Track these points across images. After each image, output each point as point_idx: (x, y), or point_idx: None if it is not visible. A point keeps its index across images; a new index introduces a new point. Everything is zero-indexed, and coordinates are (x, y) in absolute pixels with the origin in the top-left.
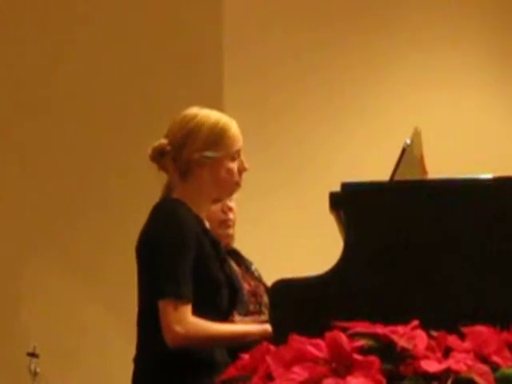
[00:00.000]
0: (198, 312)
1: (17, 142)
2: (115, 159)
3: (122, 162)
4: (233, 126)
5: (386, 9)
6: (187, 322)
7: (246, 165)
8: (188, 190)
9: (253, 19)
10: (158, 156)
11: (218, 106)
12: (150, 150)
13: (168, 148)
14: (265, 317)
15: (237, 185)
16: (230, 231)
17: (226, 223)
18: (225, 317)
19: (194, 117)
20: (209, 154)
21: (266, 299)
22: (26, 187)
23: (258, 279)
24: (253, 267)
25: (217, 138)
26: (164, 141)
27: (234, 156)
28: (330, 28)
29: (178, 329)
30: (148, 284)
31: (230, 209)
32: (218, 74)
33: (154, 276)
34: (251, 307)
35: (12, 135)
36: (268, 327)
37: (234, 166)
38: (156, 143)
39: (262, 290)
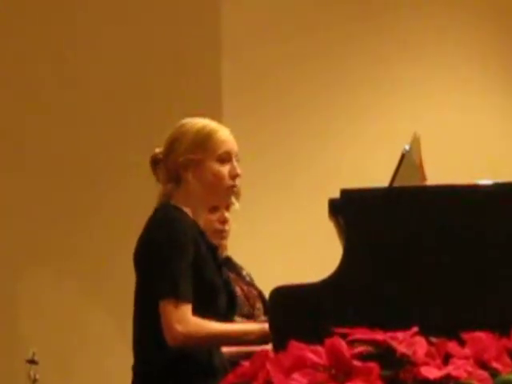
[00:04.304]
0: (196, 316)
1: (15, 148)
2: (113, 166)
3: (120, 169)
4: (221, 130)
5: (386, 13)
6: (188, 321)
7: (239, 170)
8: (182, 196)
9: (250, 27)
10: (153, 165)
11: (217, 113)
12: (148, 161)
13: (160, 156)
14: (263, 318)
15: (230, 189)
16: (224, 242)
17: (221, 234)
18: (223, 321)
19: (184, 124)
20: (191, 156)
21: (258, 303)
22: (24, 193)
23: (250, 284)
24: (244, 272)
25: (201, 140)
26: (158, 150)
27: (222, 158)
28: (328, 34)
29: (179, 328)
30: (147, 289)
31: (227, 220)
32: (216, 82)
33: (152, 279)
34: (245, 310)
35: (10, 142)
36: (266, 326)
37: (222, 168)
38: (152, 153)
39: (254, 294)
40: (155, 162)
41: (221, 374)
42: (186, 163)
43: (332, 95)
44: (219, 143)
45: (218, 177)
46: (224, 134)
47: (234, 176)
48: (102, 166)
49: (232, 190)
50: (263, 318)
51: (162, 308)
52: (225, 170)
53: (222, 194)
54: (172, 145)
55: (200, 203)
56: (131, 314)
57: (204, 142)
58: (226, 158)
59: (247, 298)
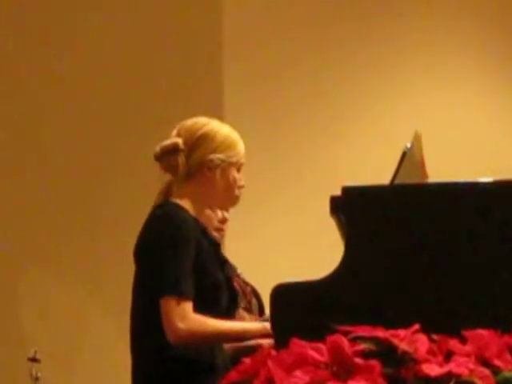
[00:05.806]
0: (198, 312)
1: (15, 151)
2: (114, 166)
3: (121, 169)
4: (241, 141)
5: (386, 12)
6: (189, 318)
7: (243, 182)
8: (190, 192)
9: (252, 24)
10: (168, 154)
11: (218, 112)
12: (158, 148)
13: (182, 147)
14: (266, 315)
15: (237, 198)
16: (221, 241)
17: (218, 232)
18: (225, 317)
19: (208, 123)
20: (222, 156)
21: (253, 299)
22: (25, 193)
23: (243, 280)
24: (238, 270)
25: (232, 145)
26: (178, 139)
27: (238, 168)
28: (329, 32)
29: (181, 325)
30: (148, 286)
31: (226, 219)
32: (217, 80)
33: (154, 277)
34: (242, 304)
35: (10, 145)
36: (267, 325)
37: (239, 177)
38: (168, 141)
39: (249, 290)
40: (174, 151)
41: (222, 372)
42: (215, 162)
43: (334, 93)
44: (241, 153)
45: (235, 183)
46: (243, 145)
47: (240, 187)
48: (103, 167)
49: (237, 199)
50: (266, 315)
51: (164, 305)
52: (239, 179)
53: (231, 200)
54: (201, 140)
55: (209, 202)
56: None
57: (233, 147)
58: (240, 168)
59: (244, 293)
